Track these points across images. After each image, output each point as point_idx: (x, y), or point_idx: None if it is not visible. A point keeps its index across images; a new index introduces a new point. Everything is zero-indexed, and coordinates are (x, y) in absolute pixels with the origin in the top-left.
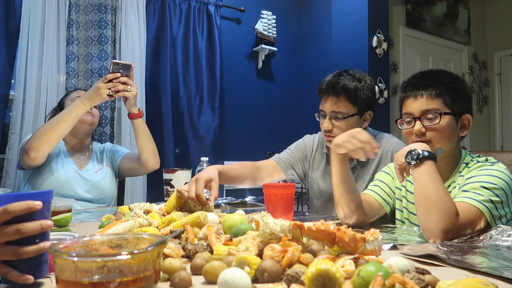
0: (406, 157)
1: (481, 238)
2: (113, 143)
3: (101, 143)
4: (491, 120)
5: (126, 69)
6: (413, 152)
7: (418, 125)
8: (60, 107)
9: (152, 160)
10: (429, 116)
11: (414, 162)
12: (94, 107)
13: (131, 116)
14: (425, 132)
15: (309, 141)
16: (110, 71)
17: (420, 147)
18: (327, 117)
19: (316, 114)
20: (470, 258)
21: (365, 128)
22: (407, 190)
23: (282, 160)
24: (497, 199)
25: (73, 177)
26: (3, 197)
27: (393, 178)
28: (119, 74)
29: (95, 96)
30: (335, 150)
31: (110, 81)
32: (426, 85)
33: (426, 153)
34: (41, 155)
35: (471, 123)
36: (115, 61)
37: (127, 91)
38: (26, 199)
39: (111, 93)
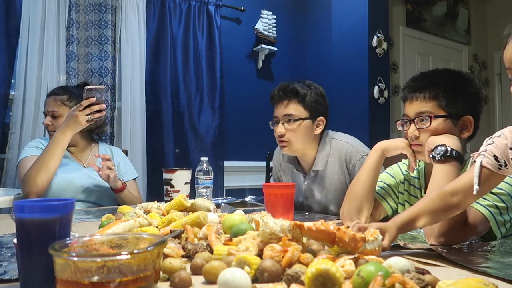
0: (433, 150)
1: (481, 243)
2: (113, 144)
3: (103, 142)
4: (491, 120)
5: (100, 92)
6: (441, 148)
7: (412, 128)
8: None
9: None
10: (422, 119)
11: (439, 158)
12: (52, 116)
13: (115, 191)
14: (419, 135)
15: (274, 161)
16: (84, 97)
17: (451, 144)
18: (280, 122)
19: (270, 123)
20: (470, 257)
21: (322, 133)
22: (410, 194)
23: None
24: (502, 204)
25: (75, 178)
26: (27, 206)
27: (396, 180)
28: (94, 99)
29: (74, 125)
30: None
31: (86, 107)
32: (422, 87)
33: (454, 153)
34: (44, 192)
35: (473, 125)
36: (88, 87)
37: (103, 113)
38: (51, 210)
39: (89, 119)
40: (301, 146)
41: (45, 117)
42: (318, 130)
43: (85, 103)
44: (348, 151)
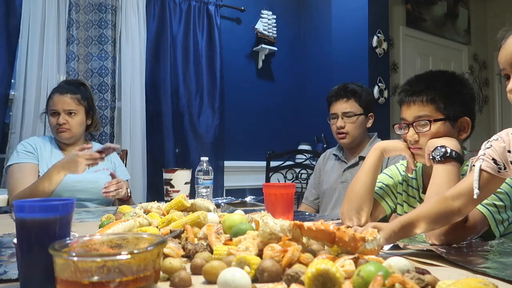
0: (433, 151)
1: (480, 243)
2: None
3: (101, 143)
4: (491, 120)
5: (113, 151)
6: (440, 149)
7: (411, 132)
8: (47, 109)
9: None
10: (421, 122)
11: (439, 158)
12: (68, 114)
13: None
14: (419, 138)
15: (318, 161)
16: (99, 150)
17: (451, 145)
18: (339, 117)
19: (327, 118)
20: (470, 258)
21: (369, 128)
22: (408, 195)
23: (309, 199)
24: (500, 203)
25: (70, 176)
26: (27, 206)
27: (395, 181)
28: (104, 155)
29: (72, 169)
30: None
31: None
32: (419, 91)
33: (454, 153)
34: None
35: (471, 126)
36: (109, 144)
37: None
38: (51, 210)
39: (87, 168)
40: (357, 137)
41: (54, 115)
42: (369, 124)
43: (95, 155)
44: None
